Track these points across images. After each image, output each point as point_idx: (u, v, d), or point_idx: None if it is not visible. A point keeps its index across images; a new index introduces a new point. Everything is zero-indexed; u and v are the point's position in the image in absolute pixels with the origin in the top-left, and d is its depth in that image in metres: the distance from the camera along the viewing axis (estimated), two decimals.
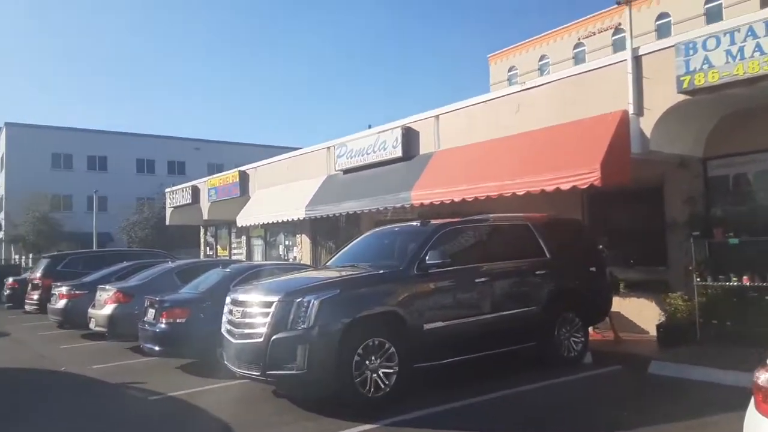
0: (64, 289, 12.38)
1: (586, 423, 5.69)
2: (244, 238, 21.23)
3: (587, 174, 8.35)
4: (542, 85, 9.83)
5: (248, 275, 8.55)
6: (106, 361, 9.48)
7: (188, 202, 21.75)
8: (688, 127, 8.73)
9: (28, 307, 15.52)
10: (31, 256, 38.51)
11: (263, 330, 6.09)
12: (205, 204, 20.88)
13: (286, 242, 18.98)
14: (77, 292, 12.20)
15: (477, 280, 7.07)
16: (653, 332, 9.17)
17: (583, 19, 37.97)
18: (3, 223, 46.28)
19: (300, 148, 17.59)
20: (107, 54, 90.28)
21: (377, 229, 8.41)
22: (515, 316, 7.30)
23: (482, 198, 9.87)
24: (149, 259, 14.27)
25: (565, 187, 8.63)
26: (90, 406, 7.02)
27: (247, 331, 6.32)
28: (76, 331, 12.22)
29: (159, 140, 52.47)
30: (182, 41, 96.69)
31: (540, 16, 76.69)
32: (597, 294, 8.38)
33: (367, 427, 5.59)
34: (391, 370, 6.23)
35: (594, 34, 37.31)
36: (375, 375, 6.15)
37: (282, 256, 19.11)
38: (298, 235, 17.94)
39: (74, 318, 11.84)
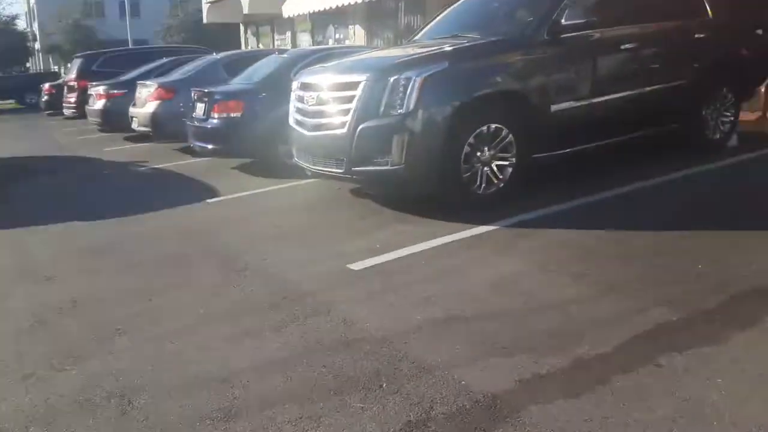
0: (101, 89, 11.14)
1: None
2: (288, 34, 19.19)
3: None
4: None
5: (311, 61, 6.88)
6: (155, 161, 8.46)
7: None
8: None
9: (66, 111, 14.62)
10: (68, 65, 37.49)
11: (346, 119, 4.64)
12: None
13: (337, 35, 16.90)
14: (115, 91, 10.95)
15: (623, 47, 5.26)
16: None
17: None
18: (38, 33, 44.71)
19: None
20: None
21: None
22: (663, 92, 5.57)
23: None
24: (191, 55, 12.67)
25: None
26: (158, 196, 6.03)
27: (324, 120, 4.87)
28: (118, 134, 11.20)
29: None
30: None
31: None
32: (757, 63, 6.44)
33: (483, 229, 4.34)
34: (507, 162, 4.83)
35: None
36: (487, 168, 4.78)
37: None
38: (350, 27, 15.80)
39: (114, 119, 10.78)
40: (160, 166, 8.15)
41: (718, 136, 6.23)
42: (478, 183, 4.77)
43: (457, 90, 4.53)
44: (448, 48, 4.87)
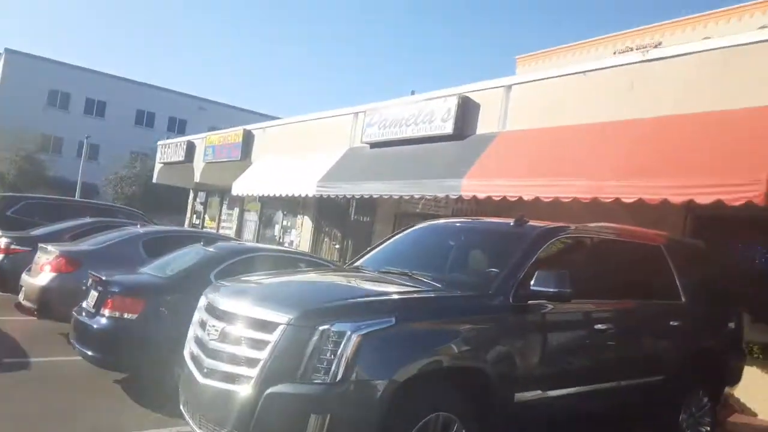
0: (1, 242, 9.70)
1: None
2: (236, 210, 18.64)
3: (744, 186, 5.78)
4: (676, 56, 7.20)
5: (239, 262, 5.94)
6: (22, 353, 6.83)
7: (181, 159, 19.10)
8: None
9: None
10: None
11: (253, 372, 3.48)
12: (198, 164, 18.25)
13: (284, 222, 16.40)
14: (17, 247, 9.48)
15: (597, 327, 4.49)
16: None
17: (622, 33, 35.10)
18: None
19: None
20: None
21: (438, 222, 5.77)
22: (636, 388, 4.75)
23: (566, 200, 7.32)
24: (120, 218, 11.67)
25: (703, 199, 6.08)
26: None
27: (224, 367, 3.66)
28: (13, 296, 9.55)
29: (163, 93, 49.61)
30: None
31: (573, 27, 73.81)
32: (732, 362, 5.81)
33: None
34: None
35: (631, 50, 34.49)
36: None
37: (277, 238, 16.52)
38: (299, 216, 15.36)
39: (9, 281, 9.16)
40: (30, 358, 6.58)
41: None
42: None
43: (404, 357, 3.47)
44: (397, 293, 3.97)
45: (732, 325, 5.83)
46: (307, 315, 3.50)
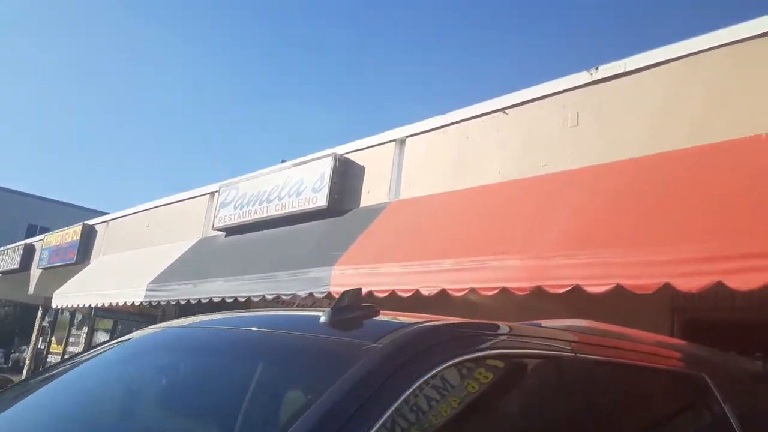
0: None
1: None
2: (85, 329, 14.55)
3: None
4: (649, 68, 4.60)
5: None
6: None
7: (16, 267, 15.07)
8: None
9: None
10: None
11: None
12: (35, 271, 14.30)
13: None
14: None
15: None
16: None
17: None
18: None
19: None
20: None
21: (141, 333, 2.33)
22: None
23: (491, 293, 4.31)
24: None
25: (739, 282, 3.20)
26: None
27: None
28: None
29: (57, 206, 45.58)
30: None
31: None
32: None
33: None
34: None
35: None
36: None
37: None
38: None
39: None
40: None
41: None
42: None
43: None
44: None
45: None
46: None
